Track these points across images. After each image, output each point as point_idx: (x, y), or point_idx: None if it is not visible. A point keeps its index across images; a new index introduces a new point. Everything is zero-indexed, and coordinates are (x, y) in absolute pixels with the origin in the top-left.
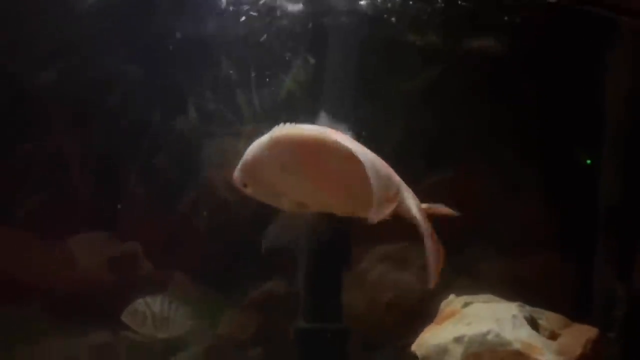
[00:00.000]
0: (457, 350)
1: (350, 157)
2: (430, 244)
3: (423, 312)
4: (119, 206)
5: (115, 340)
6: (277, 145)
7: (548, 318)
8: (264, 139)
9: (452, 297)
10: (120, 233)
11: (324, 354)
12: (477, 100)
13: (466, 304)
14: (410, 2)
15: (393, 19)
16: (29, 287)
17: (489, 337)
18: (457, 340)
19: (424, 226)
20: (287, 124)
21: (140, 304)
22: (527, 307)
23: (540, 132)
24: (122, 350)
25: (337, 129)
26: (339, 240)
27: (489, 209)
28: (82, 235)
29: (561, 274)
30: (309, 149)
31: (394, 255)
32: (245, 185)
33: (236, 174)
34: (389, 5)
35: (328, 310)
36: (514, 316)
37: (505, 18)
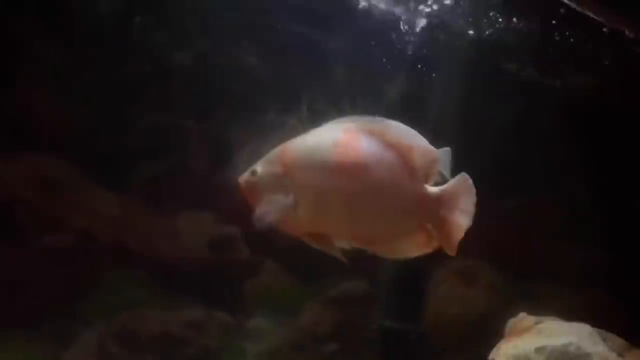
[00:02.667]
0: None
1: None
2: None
3: (484, 328)
4: (222, 189)
5: (208, 319)
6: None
7: (612, 340)
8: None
9: (523, 314)
10: (224, 215)
11: (404, 353)
12: (564, 135)
13: (538, 322)
14: (513, 32)
15: (494, 47)
16: (135, 254)
17: (571, 348)
18: (539, 350)
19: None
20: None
21: None
22: (595, 329)
23: (618, 174)
24: (214, 330)
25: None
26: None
27: (554, 239)
28: (190, 212)
29: (614, 306)
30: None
31: (464, 271)
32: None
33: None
34: (492, 34)
35: (412, 311)
36: (590, 333)
37: (604, 59)
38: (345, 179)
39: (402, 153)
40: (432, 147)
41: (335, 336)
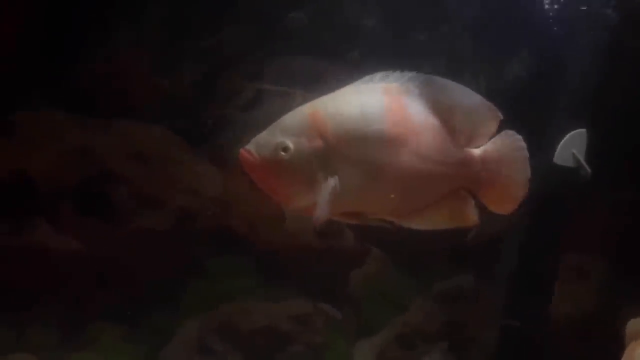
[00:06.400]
0: None
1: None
2: None
3: (598, 328)
4: None
5: (314, 311)
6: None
7: None
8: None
9: None
10: None
11: (523, 354)
12: None
13: None
14: None
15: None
16: (238, 239)
17: None
18: None
19: None
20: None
21: None
22: None
23: None
24: (320, 324)
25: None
26: (550, 239)
27: None
28: None
29: None
30: None
31: (575, 266)
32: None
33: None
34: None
35: (532, 309)
36: None
37: None
38: (396, 149)
39: (441, 112)
40: (478, 105)
41: (446, 334)
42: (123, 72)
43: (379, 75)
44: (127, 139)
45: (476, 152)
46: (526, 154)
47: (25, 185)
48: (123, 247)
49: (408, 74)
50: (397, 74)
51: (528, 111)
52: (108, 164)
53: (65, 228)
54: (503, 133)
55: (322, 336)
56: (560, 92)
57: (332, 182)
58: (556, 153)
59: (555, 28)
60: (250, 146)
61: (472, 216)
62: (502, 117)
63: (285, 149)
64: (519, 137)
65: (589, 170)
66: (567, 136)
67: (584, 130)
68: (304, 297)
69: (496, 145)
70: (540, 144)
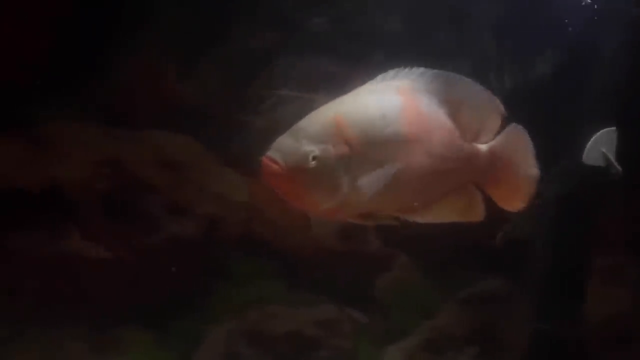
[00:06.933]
0: None
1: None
2: None
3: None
4: None
5: (341, 317)
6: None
7: None
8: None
9: None
10: None
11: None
12: None
13: None
14: None
15: None
16: (264, 244)
17: None
18: None
19: None
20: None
21: None
22: None
23: None
24: (348, 330)
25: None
26: (582, 239)
27: None
28: None
29: None
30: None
31: (613, 266)
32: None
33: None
34: None
35: (567, 313)
36: None
37: None
38: (411, 148)
39: (449, 108)
40: (485, 99)
41: (476, 339)
42: (149, 82)
43: (391, 73)
44: (155, 148)
45: (483, 147)
46: (533, 149)
47: (57, 195)
48: (152, 254)
49: (418, 70)
50: (408, 70)
51: (556, 111)
52: (136, 173)
53: (96, 236)
54: (510, 128)
55: (350, 341)
56: (589, 90)
57: (355, 185)
58: (585, 152)
59: (583, 24)
60: (275, 154)
61: (479, 211)
62: (505, 112)
63: (314, 157)
64: (526, 132)
65: (619, 169)
66: (596, 135)
67: (613, 128)
68: (331, 302)
69: (503, 141)
70: (568, 144)
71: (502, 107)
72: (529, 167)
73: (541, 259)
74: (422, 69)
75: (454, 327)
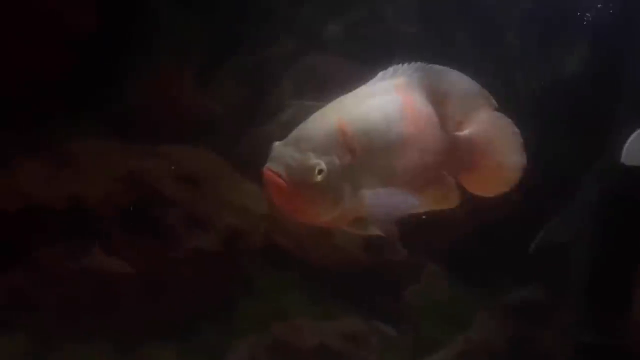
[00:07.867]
0: None
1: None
2: None
3: None
4: None
5: (368, 330)
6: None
7: None
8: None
9: None
10: None
11: None
12: None
13: None
14: None
15: None
16: (286, 255)
17: None
18: None
19: None
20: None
21: None
22: None
23: None
24: (375, 343)
25: None
26: (626, 245)
27: None
28: None
29: None
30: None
31: None
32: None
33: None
34: None
35: (616, 323)
36: None
37: None
38: (408, 148)
39: (436, 100)
40: (472, 91)
41: (513, 351)
42: (167, 97)
43: (390, 71)
44: (175, 162)
45: (462, 135)
46: (518, 138)
47: (80, 211)
48: (175, 267)
49: (414, 66)
50: (404, 67)
51: (593, 111)
52: (157, 188)
53: (119, 252)
54: (491, 115)
55: (378, 355)
56: (624, 89)
57: (359, 193)
58: (623, 153)
59: (615, 22)
60: (279, 168)
61: (454, 197)
62: (496, 105)
63: (321, 171)
64: (509, 121)
65: None
66: (634, 135)
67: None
68: (357, 315)
69: (481, 129)
70: (606, 145)
71: (492, 99)
72: (511, 154)
73: (583, 265)
74: (417, 64)
75: (490, 339)
